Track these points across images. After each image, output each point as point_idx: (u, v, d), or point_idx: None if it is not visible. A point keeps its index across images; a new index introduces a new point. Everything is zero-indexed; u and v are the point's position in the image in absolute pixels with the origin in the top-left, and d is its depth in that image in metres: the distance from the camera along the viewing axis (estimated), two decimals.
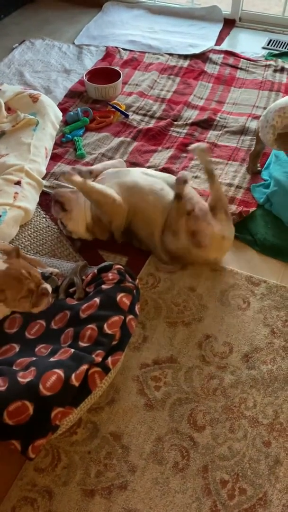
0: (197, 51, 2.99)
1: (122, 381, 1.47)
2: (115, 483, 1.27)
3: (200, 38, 3.14)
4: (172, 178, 1.83)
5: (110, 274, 1.52)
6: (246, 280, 1.74)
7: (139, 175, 1.81)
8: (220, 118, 2.47)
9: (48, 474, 1.29)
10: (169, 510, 1.23)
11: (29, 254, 1.77)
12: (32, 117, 2.23)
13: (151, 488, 1.26)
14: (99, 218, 1.79)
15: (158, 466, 1.30)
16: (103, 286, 1.49)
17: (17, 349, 1.43)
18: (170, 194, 1.74)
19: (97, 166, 1.92)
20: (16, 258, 1.44)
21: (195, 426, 1.38)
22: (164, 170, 2.16)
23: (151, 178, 1.80)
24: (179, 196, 1.68)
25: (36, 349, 1.42)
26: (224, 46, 3.10)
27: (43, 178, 2.11)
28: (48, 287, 1.44)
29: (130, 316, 1.45)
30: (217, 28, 3.25)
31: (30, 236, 1.91)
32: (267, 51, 3.04)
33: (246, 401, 1.42)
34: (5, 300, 1.40)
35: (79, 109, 2.46)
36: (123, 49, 3.06)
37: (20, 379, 1.23)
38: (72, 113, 2.45)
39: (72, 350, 1.34)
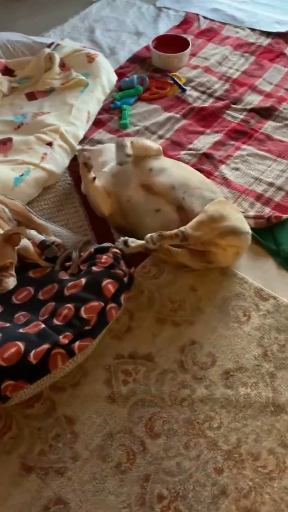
0: (283, 29, 2.71)
1: (92, 366, 1.43)
2: (54, 466, 1.26)
3: None
4: (190, 181, 1.64)
5: (104, 256, 1.47)
6: (254, 292, 1.60)
7: (137, 192, 1.65)
8: (284, 108, 2.24)
9: None
10: (97, 508, 1.19)
11: (42, 219, 1.75)
12: (83, 78, 2.17)
13: (86, 481, 1.23)
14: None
15: (100, 462, 1.26)
16: (93, 268, 1.44)
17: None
18: (169, 214, 1.59)
19: (134, 147, 1.69)
20: (4, 241, 1.38)
21: (150, 431, 1.31)
22: (205, 155, 2.02)
23: (150, 197, 1.63)
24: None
25: (16, 315, 1.42)
26: None
27: (80, 143, 2.06)
28: (9, 283, 1.37)
29: (112, 304, 1.40)
30: None
31: (50, 201, 1.88)
32: None
33: (212, 420, 1.33)
34: None
35: (135, 76, 2.35)
36: (204, 17, 2.85)
37: None
38: (127, 79, 2.34)
39: (42, 325, 1.32)
